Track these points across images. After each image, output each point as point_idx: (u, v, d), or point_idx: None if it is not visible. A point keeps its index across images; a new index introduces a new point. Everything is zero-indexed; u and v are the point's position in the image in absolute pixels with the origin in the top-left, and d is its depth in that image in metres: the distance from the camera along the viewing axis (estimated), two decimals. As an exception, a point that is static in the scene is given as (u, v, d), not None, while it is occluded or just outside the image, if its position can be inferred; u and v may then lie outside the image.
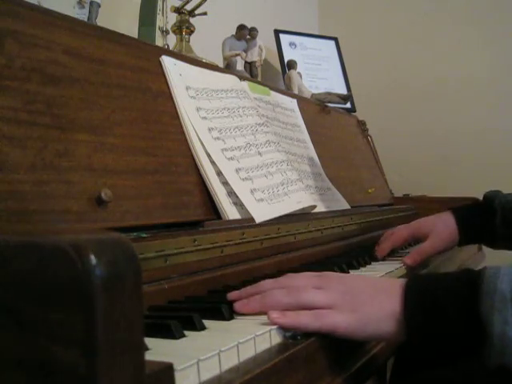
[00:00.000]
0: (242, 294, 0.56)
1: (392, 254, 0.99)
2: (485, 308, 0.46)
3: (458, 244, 0.96)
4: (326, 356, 0.50)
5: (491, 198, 0.96)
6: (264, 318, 0.51)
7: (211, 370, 0.38)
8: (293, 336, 0.49)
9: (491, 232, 0.94)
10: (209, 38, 1.37)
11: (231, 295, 0.56)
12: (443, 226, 0.95)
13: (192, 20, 1.18)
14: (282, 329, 0.49)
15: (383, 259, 0.95)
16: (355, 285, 0.54)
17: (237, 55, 1.38)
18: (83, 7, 0.92)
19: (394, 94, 2.18)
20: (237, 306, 0.54)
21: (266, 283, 0.57)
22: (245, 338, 0.43)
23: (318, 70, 1.95)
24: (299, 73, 1.70)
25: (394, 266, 0.85)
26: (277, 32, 1.88)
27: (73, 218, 0.57)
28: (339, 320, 0.50)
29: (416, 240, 1.07)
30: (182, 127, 0.81)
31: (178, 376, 0.34)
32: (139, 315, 0.30)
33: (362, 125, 1.68)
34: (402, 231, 0.99)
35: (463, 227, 0.94)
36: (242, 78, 1.05)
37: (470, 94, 2.05)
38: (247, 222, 0.79)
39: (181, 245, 0.63)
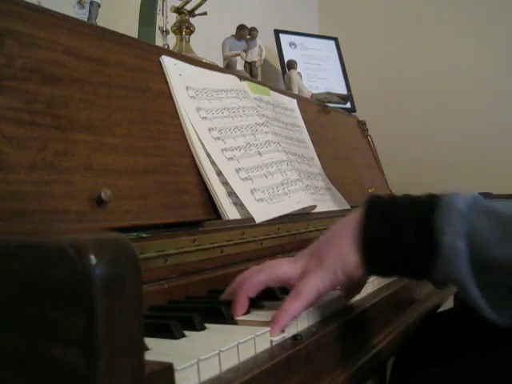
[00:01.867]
0: (225, 295, 0.58)
1: None
2: (439, 219, 0.47)
3: None
4: (326, 356, 0.50)
5: None
6: (264, 318, 0.51)
7: (211, 370, 0.38)
8: (293, 336, 0.49)
9: None
10: (209, 38, 1.37)
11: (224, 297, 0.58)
12: None
13: (192, 20, 1.18)
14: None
15: None
16: (321, 241, 0.56)
17: (237, 55, 1.38)
18: (83, 7, 0.92)
19: (394, 94, 2.18)
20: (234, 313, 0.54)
21: (243, 273, 0.58)
22: (245, 338, 0.43)
23: (318, 69, 1.95)
24: (299, 73, 1.70)
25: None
26: (277, 32, 1.88)
27: (73, 217, 0.57)
28: (314, 281, 0.52)
29: None
30: (182, 127, 0.81)
31: (177, 376, 0.34)
32: (139, 315, 0.30)
33: (362, 125, 1.68)
34: None
35: None
36: (242, 77, 1.05)
37: (471, 93, 2.05)
38: (247, 222, 0.78)
39: (181, 245, 0.63)
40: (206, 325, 0.48)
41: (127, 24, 1.08)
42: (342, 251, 0.52)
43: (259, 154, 0.91)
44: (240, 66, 1.39)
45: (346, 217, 0.57)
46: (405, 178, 1.92)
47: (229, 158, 0.84)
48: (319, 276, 0.52)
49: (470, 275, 0.46)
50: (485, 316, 0.46)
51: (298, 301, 0.51)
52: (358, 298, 0.63)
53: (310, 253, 0.55)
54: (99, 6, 0.93)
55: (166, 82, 0.82)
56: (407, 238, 0.49)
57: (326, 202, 1.11)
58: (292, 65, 1.67)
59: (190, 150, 0.80)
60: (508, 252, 0.45)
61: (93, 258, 0.28)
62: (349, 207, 1.20)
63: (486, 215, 0.47)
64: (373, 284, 0.71)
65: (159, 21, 1.08)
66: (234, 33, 1.44)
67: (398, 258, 0.50)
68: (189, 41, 1.17)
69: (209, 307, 0.54)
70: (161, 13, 1.09)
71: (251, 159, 0.88)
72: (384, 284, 0.74)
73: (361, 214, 0.53)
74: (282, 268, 0.55)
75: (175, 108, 0.81)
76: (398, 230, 0.50)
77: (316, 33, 2.21)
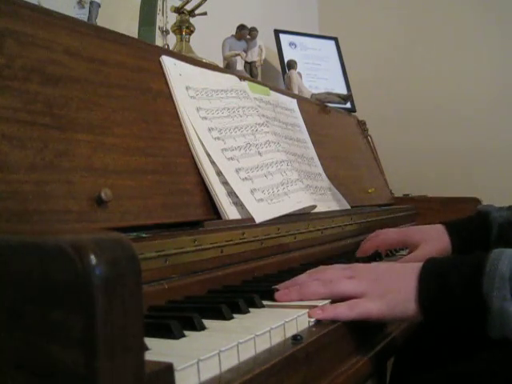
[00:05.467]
0: (281, 287, 0.62)
1: (380, 255, 0.97)
2: (486, 287, 0.52)
3: None
4: (326, 356, 0.50)
5: (486, 214, 0.95)
6: (263, 318, 0.51)
7: (211, 370, 0.38)
8: (293, 336, 0.49)
9: (485, 248, 0.94)
10: (209, 38, 1.37)
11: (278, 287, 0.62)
12: (436, 236, 0.93)
13: (192, 20, 1.18)
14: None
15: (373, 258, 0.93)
16: (381, 272, 0.61)
17: (237, 55, 1.37)
18: (83, 7, 0.92)
19: (394, 94, 2.18)
20: (277, 295, 0.59)
21: (302, 277, 0.63)
22: (245, 338, 0.43)
23: (318, 69, 1.95)
24: (299, 73, 1.70)
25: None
26: (277, 32, 1.88)
27: (73, 217, 0.57)
28: (371, 307, 0.56)
29: (403, 246, 1.05)
30: (182, 127, 0.81)
31: (178, 376, 0.34)
32: (139, 315, 0.30)
33: (362, 125, 1.68)
34: (390, 235, 0.97)
35: (456, 241, 0.93)
36: (241, 78, 1.05)
37: (470, 92, 2.05)
38: (247, 222, 0.78)
39: (181, 245, 0.63)
40: (206, 325, 0.48)
41: (127, 24, 1.08)
42: (405, 297, 0.56)
43: (259, 154, 0.91)
44: (240, 66, 1.38)
45: (408, 263, 0.62)
46: (405, 178, 1.92)
47: (229, 158, 0.84)
48: (378, 306, 0.56)
49: None
50: None
51: (349, 313, 0.55)
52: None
53: (375, 279, 0.59)
54: (99, 6, 0.93)
55: (166, 82, 0.82)
56: (460, 303, 0.54)
57: (326, 202, 1.11)
58: (292, 65, 1.67)
59: (189, 150, 0.80)
60: None
61: (93, 258, 0.28)
62: (349, 207, 1.20)
63: None
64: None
65: (159, 21, 1.08)
66: (234, 33, 1.44)
67: (453, 318, 0.55)
68: (189, 41, 1.17)
69: (209, 307, 0.53)
70: (161, 13, 1.09)
71: (251, 159, 0.88)
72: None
73: (418, 274, 0.57)
74: (343, 285, 0.59)
75: (175, 108, 0.81)
76: (451, 294, 0.54)
77: (316, 33, 2.21)
